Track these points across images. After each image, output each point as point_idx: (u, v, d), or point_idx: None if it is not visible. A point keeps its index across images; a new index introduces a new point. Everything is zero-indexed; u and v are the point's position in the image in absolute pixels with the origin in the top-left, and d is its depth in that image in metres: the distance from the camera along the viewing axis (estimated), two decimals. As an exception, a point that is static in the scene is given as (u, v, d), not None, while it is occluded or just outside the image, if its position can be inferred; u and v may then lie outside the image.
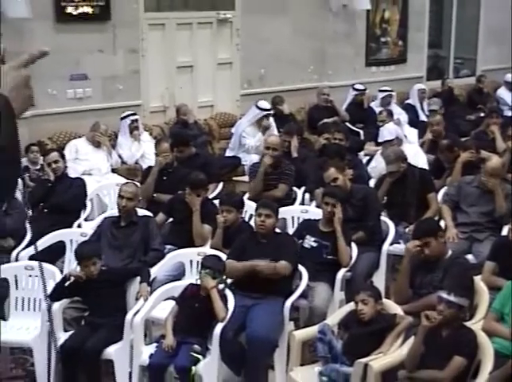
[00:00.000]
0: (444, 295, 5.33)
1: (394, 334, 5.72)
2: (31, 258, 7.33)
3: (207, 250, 7.15)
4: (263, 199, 7.61)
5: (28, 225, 7.99)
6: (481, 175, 8.19)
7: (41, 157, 9.50)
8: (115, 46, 11.83)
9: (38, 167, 9.53)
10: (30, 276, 6.85)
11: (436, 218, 8.08)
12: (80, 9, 11.40)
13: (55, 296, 6.13)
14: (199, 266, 6.44)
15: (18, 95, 2.30)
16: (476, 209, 8.10)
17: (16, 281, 6.83)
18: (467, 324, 5.56)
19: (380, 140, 10.45)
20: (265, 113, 11.54)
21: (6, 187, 2.33)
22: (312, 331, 6.05)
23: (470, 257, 7.56)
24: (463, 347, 5.25)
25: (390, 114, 12.26)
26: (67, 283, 6.32)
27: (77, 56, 11.40)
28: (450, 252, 6.74)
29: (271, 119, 11.70)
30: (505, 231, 7.39)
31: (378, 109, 13.07)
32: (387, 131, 10.47)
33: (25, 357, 6.86)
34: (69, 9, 11.29)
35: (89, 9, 11.48)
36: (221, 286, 6.22)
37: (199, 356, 5.89)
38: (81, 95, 11.53)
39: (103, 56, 11.71)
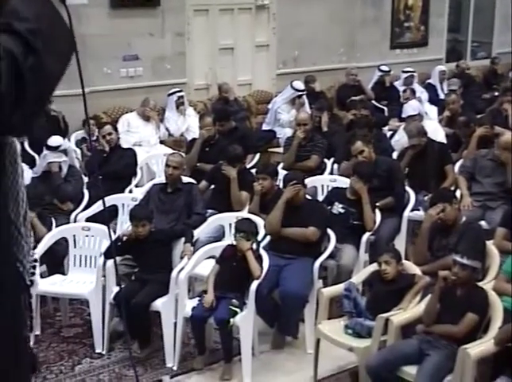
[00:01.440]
0: (459, 258, 5.31)
1: (413, 292, 5.72)
2: (88, 219, 7.40)
3: (244, 214, 7.16)
4: (290, 173, 7.53)
5: (85, 191, 8.06)
6: (495, 149, 8.14)
7: (97, 130, 9.55)
8: (164, 30, 11.83)
9: (94, 138, 9.57)
10: (87, 236, 6.91)
11: (453, 188, 8.05)
12: (132, -4, 11.41)
13: (109, 254, 6.18)
14: (235, 229, 6.45)
15: None
16: (490, 180, 8.04)
17: (74, 240, 6.89)
18: (480, 284, 5.53)
19: (404, 115, 10.37)
20: (299, 93, 11.53)
21: (55, 73, 2.02)
22: (338, 288, 6.05)
23: (483, 223, 7.50)
24: (476, 305, 5.24)
25: (413, 92, 12.25)
26: (119, 243, 6.38)
27: (129, 39, 11.41)
28: (464, 219, 6.73)
29: (304, 97, 11.67)
30: (516, 200, 7.37)
31: (401, 88, 12.98)
32: (411, 108, 10.39)
33: (83, 308, 6.95)
34: (123, -4, 11.31)
35: (140, -4, 11.49)
36: (255, 246, 6.24)
37: (237, 310, 5.91)
38: (133, 73, 11.56)
39: (153, 39, 11.71)
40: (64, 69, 2.05)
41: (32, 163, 8.89)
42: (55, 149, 8.01)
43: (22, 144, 9.50)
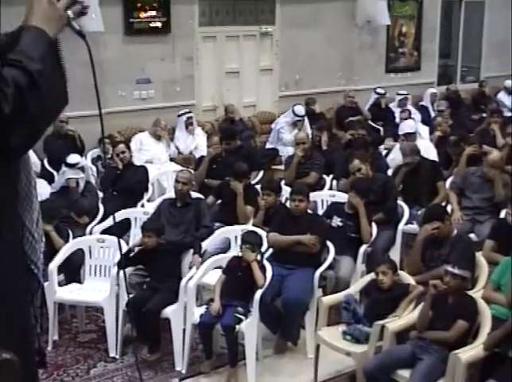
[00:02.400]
0: (450, 268, 5.32)
1: (407, 301, 5.72)
2: (102, 232, 7.41)
3: (249, 227, 7.16)
4: (297, 185, 7.59)
5: (100, 205, 8.07)
6: (483, 166, 8.15)
7: (111, 148, 9.57)
8: (174, 55, 11.86)
9: (109, 156, 9.58)
10: (101, 247, 6.92)
11: (444, 203, 8.07)
12: (145, 24, 11.45)
13: (122, 264, 6.18)
14: (241, 241, 6.45)
15: (49, 18, 2.18)
16: (478, 196, 8.04)
17: (90, 251, 6.90)
18: (469, 292, 5.54)
19: (400, 133, 10.35)
20: (299, 118, 11.52)
21: (51, 111, 2.16)
22: (337, 297, 6.05)
23: (472, 236, 7.52)
24: (466, 312, 5.24)
25: (409, 113, 12.43)
26: (131, 254, 6.39)
27: (142, 63, 11.46)
28: (455, 231, 6.73)
29: (305, 118, 11.67)
30: (503, 214, 7.37)
31: (396, 110, 13.07)
32: (408, 126, 10.45)
33: (98, 315, 6.93)
34: (136, 24, 11.36)
35: (153, 24, 11.53)
36: (259, 257, 6.24)
37: (242, 317, 5.91)
38: (145, 96, 11.59)
39: (164, 63, 11.75)
40: (57, 110, 2.21)
41: (51, 179, 8.92)
42: (72, 166, 8.03)
43: (42, 161, 9.54)
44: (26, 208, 2.32)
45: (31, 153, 2.32)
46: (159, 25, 11.59)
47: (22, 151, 2.19)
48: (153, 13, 11.49)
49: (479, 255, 6.29)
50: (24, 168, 2.29)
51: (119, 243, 5.93)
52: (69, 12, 2.23)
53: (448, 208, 7.76)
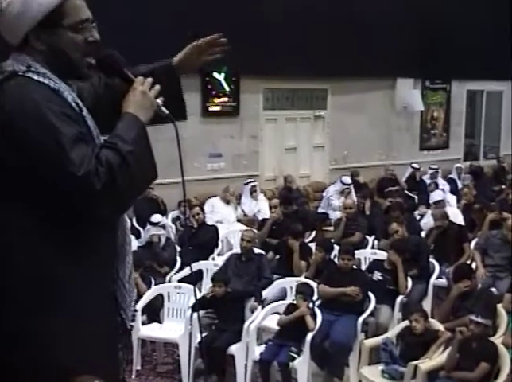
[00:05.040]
0: (474, 317, 5.25)
1: (437, 344, 5.62)
2: (179, 280, 7.46)
3: (302, 279, 7.15)
4: (345, 245, 7.55)
5: (178, 258, 8.14)
6: (503, 230, 8.11)
7: (188, 211, 9.67)
8: (242, 133, 12.06)
9: (186, 217, 9.67)
10: (178, 293, 6.94)
11: (469, 261, 7.98)
12: (219, 108, 11.68)
13: (195, 308, 6.20)
14: (295, 291, 6.45)
15: (142, 106, 2.19)
16: (499, 255, 7.93)
17: (168, 296, 6.94)
18: (491, 339, 5.45)
19: (431, 201, 10.38)
20: (347, 186, 11.54)
21: (139, 186, 2.16)
22: (377, 340, 5.98)
23: (493, 290, 7.39)
24: (488, 356, 5.14)
25: (437, 185, 12.43)
26: (204, 299, 6.41)
27: (215, 140, 11.67)
28: (479, 286, 6.65)
29: (351, 187, 11.68)
30: (521, 272, 7.27)
31: (428, 181, 13.03)
32: (437, 195, 10.49)
33: (174, 350, 6.93)
34: (211, 108, 11.59)
35: (225, 108, 11.75)
36: (310, 305, 6.22)
37: (295, 355, 5.87)
38: (217, 167, 11.77)
39: (233, 141, 11.94)
40: (145, 184, 2.21)
41: (138, 235, 9.04)
42: (156, 224, 8.15)
43: (131, 220, 9.69)
44: (121, 262, 2.31)
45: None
46: (230, 108, 11.83)
47: (112, 219, 2.21)
48: (226, 99, 11.74)
49: (500, 307, 6.17)
50: (120, 228, 2.30)
51: (195, 290, 5.97)
52: (158, 100, 2.25)
53: (473, 266, 7.66)
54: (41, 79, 2.09)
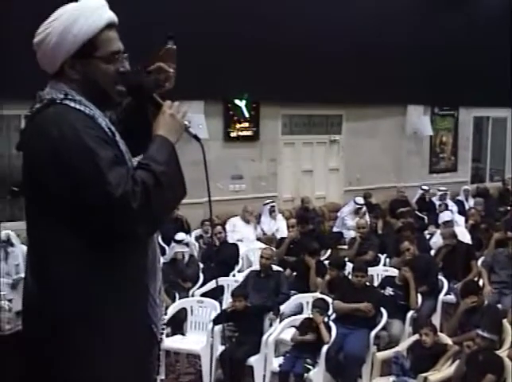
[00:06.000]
0: (481, 332, 5.22)
1: (446, 357, 5.58)
2: (202, 295, 7.46)
3: (318, 295, 7.12)
4: (358, 263, 7.53)
5: (200, 274, 8.15)
6: (509, 248, 8.09)
7: (211, 229, 9.69)
8: (261, 157, 12.09)
9: (208, 235, 9.72)
10: (200, 307, 6.94)
11: (476, 278, 7.93)
12: (240, 133, 11.74)
13: (216, 321, 6.22)
14: (311, 306, 6.43)
15: (171, 128, 2.19)
16: (505, 272, 7.90)
17: (191, 310, 6.94)
18: (497, 352, 5.40)
19: (440, 221, 10.34)
20: (360, 206, 11.52)
21: (171, 204, 2.18)
22: (388, 353, 5.95)
23: (499, 306, 7.32)
24: (494, 368, 5.10)
25: (446, 206, 12.33)
26: (225, 313, 6.41)
27: (236, 163, 11.69)
28: (486, 302, 6.59)
29: (364, 208, 11.66)
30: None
31: (437, 202, 12.96)
32: (446, 215, 10.41)
33: (196, 360, 6.91)
34: (232, 133, 11.65)
35: (245, 133, 11.80)
36: (326, 319, 6.20)
37: (310, 367, 5.86)
38: (238, 188, 11.78)
39: (253, 163, 11.97)
40: (177, 202, 2.22)
41: (163, 252, 9.04)
42: (180, 242, 8.17)
43: (157, 238, 9.70)
44: (152, 278, 2.29)
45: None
46: (250, 133, 11.87)
47: (147, 237, 2.22)
48: (246, 124, 11.79)
49: (505, 322, 6.11)
50: (150, 246, 2.30)
51: (221, 304, 5.96)
52: (186, 122, 2.26)
53: (480, 283, 7.62)
54: (78, 106, 2.12)
